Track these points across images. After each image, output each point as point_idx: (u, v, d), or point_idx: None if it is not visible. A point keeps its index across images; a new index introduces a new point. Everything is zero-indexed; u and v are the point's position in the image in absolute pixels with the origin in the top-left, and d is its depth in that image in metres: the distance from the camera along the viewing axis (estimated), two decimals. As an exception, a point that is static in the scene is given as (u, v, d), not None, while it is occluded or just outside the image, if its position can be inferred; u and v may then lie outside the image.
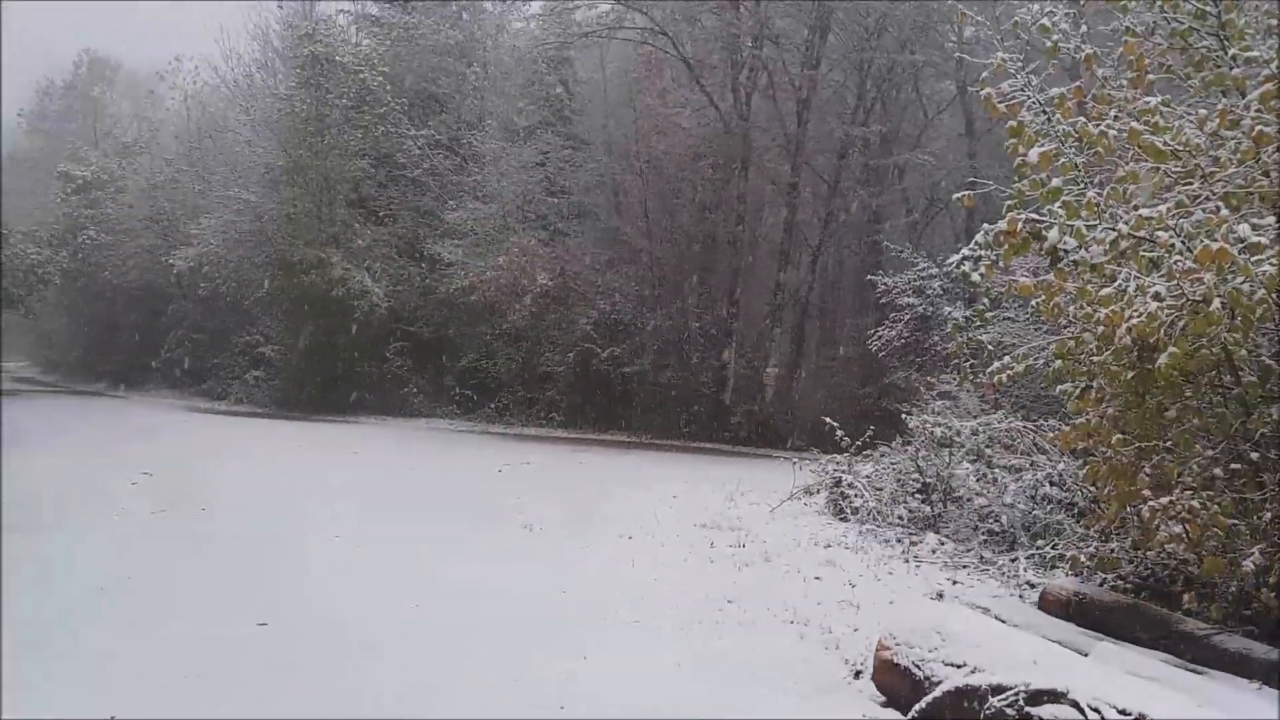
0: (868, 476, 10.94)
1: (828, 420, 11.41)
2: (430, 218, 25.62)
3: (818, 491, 11.59)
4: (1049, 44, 6.38)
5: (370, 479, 13.43)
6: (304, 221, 25.35)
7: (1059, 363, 6.59)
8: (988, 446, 10.23)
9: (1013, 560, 8.41)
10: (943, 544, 9.13)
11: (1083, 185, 5.78)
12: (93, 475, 12.35)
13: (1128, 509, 6.23)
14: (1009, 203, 5.91)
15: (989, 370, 7.00)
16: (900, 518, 10.02)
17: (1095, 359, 6.11)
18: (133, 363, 34.29)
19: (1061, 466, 9.23)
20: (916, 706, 4.53)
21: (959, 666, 4.57)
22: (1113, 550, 6.78)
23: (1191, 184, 5.53)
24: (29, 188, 39.32)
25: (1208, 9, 6.08)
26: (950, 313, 13.88)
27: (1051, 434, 9.12)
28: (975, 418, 10.78)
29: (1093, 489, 7.22)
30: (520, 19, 28.46)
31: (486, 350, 25.20)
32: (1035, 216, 5.68)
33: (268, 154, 26.33)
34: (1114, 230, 5.35)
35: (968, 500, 9.74)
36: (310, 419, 23.47)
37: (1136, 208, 5.47)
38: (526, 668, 5.39)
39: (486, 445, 18.90)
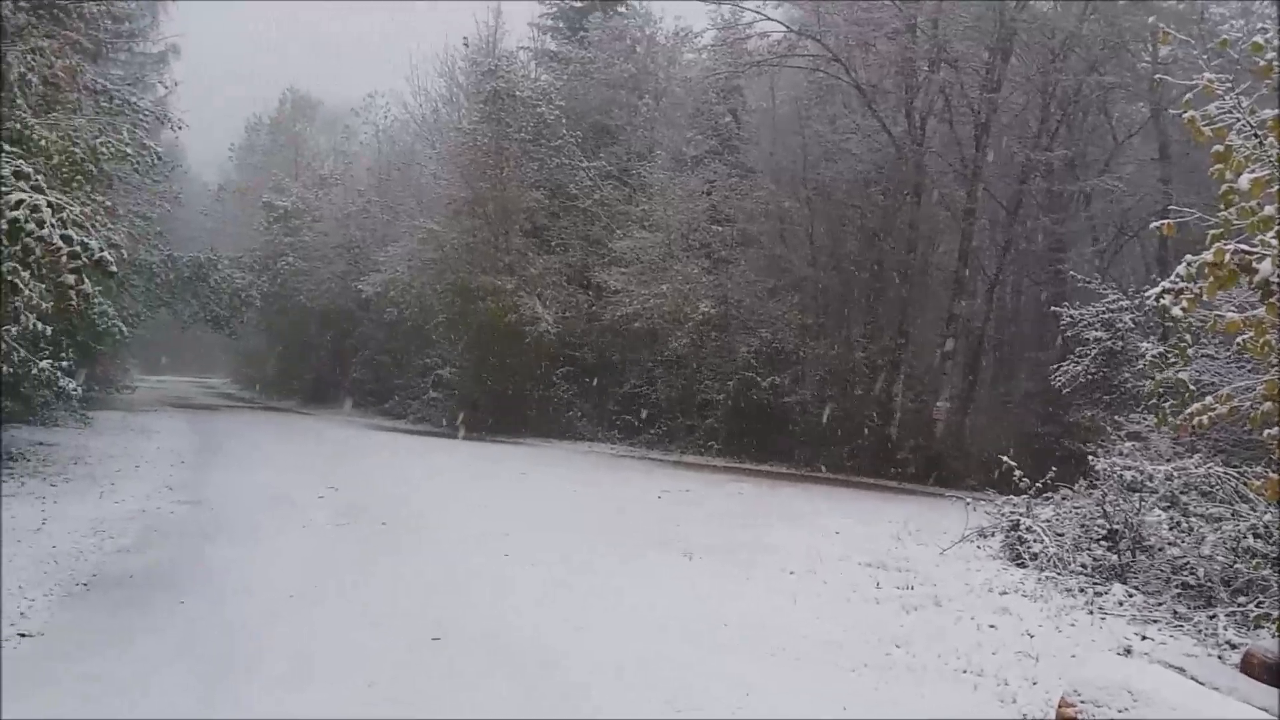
0: (1048, 520, 10.36)
1: (1004, 459, 10.88)
2: (598, 246, 26.24)
3: (992, 534, 11.05)
4: (1260, 63, 5.93)
5: (536, 499, 13.79)
6: (482, 250, 26.48)
7: (1268, 405, 6.06)
8: (1183, 493, 9.50)
9: (1210, 617, 7.75)
10: (1131, 596, 8.51)
11: (1300, 215, 5.32)
12: (285, 488, 13.22)
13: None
14: (1213, 232, 5.51)
15: (1188, 411, 6.52)
16: (1083, 566, 9.43)
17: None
18: (322, 381, 36.69)
19: (1268, 517, 8.46)
20: (1104, 772, 4.22)
21: (1153, 732, 4.23)
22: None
23: None
24: (237, 217, 42.90)
25: None
26: (1144, 348, 12.99)
27: (1257, 481, 8.36)
28: (1169, 461, 10.03)
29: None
30: (692, 50, 28.88)
31: (648, 376, 25.52)
32: (1245, 247, 5.27)
33: (451, 186, 27.68)
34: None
35: (1159, 550, 9.06)
36: (482, 439, 24.36)
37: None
38: (688, 700, 5.38)
39: (646, 471, 19.07)
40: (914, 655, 6.52)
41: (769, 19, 22.92)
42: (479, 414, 26.71)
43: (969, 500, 11.49)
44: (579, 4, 31.23)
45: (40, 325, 10.37)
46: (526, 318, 25.20)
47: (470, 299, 25.96)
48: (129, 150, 13.49)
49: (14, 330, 10.48)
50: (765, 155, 24.90)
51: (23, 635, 6.05)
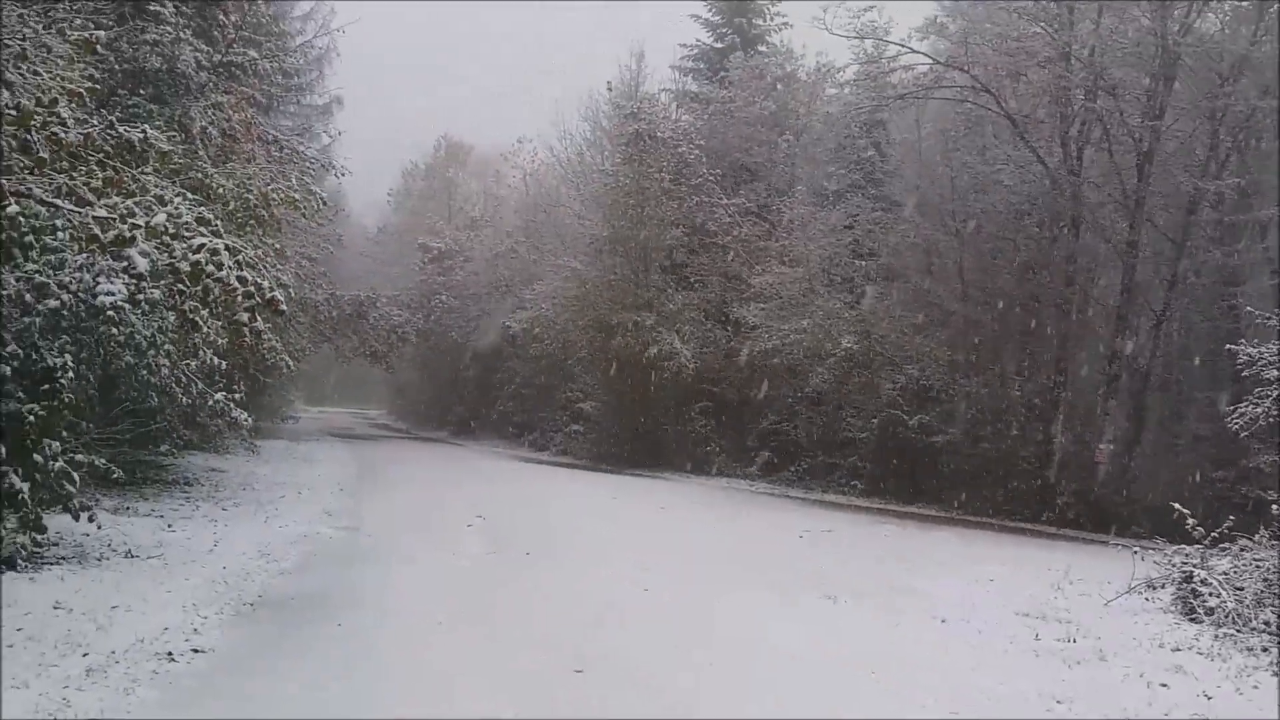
0: (1225, 573, 9.59)
1: (1175, 506, 10.16)
2: (737, 282, 26.24)
3: (1162, 586, 10.30)
4: None
5: (675, 534, 13.78)
6: (622, 287, 26.93)
7: None
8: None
9: None
10: (1325, 660, 7.76)
11: None
12: (436, 516, 13.70)
13: None
14: None
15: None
16: (1267, 623, 8.67)
17: None
18: (471, 414, 38.02)
19: None
20: None
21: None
22: None
23: None
24: (395, 258, 45.13)
25: None
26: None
27: None
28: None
29: None
30: (834, 85, 28.69)
31: (788, 413, 25.21)
32: None
33: (593, 225, 28.32)
34: None
35: (1359, 611, 8.25)
36: (621, 472, 24.58)
37: None
38: (834, 746, 5.22)
39: (786, 509, 18.77)
40: (1077, 713, 6.13)
41: (914, 51, 22.51)
42: (618, 448, 27.00)
43: (1136, 549, 10.76)
44: (719, 45, 31.55)
45: (216, 360, 11.16)
46: (665, 353, 25.38)
47: (610, 335, 26.39)
48: (297, 196, 14.40)
49: (193, 364, 11.32)
50: (910, 188, 24.38)
51: (196, 651, 6.44)
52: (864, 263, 24.13)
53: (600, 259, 27.79)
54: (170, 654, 6.26)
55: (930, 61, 22.35)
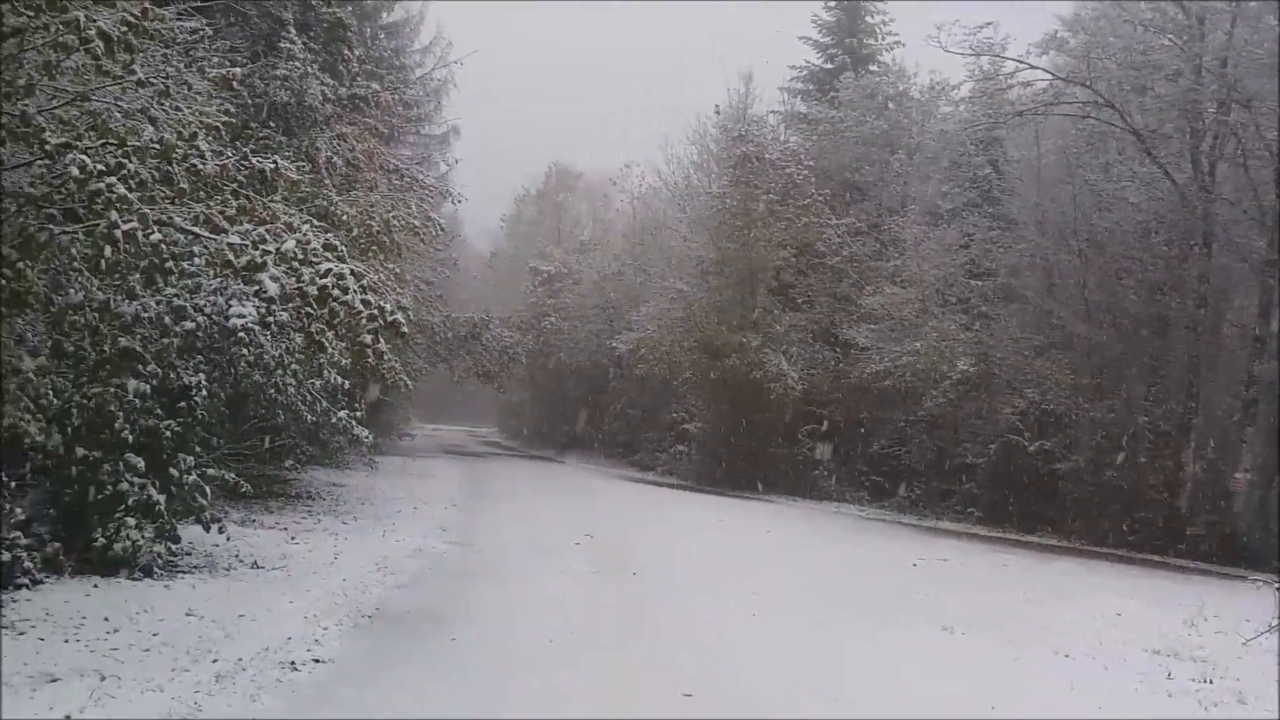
0: (1382, 615, 8.88)
1: (1323, 541, 9.48)
2: (846, 303, 25.86)
3: (1308, 626, 9.61)
4: None
5: (782, 558, 13.59)
6: (728, 309, 26.88)
7: None
8: None
9: None
10: None
11: None
12: (544, 533, 13.88)
13: None
14: None
15: None
16: None
17: None
18: (578, 432, 38.54)
19: None
20: None
21: None
22: None
23: None
24: (506, 281, 46.23)
25: None
26: None
27: None
28: None
29: None
30: (948, 103, 28.08)
31: (899, 437, 24.63)
32: None
33: (699, 247, 28.39)
34: None
35: None
36: (726, 494, 24.43)
37: None
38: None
39: (898, 536, 18.31)
40: (1216, 761, 5.77)
41: (1033, 67, 21.84)
42: (723, 469, 26.88)
43: (1277, 585, 10.08)
44: (829, 66, 31.35)
45: (339, 379, 11.61)
46: (771, 374, 25.17)
47: (716, 356, 26.33)
48: (417, 223, 14.92)
49: (317, 383, 11.81)
50: (1030, 206, 23.60)
51: (317, 661, 6.67)
52: (980, 283, 23.45)
53: (706, 280, 27.81)
54: (293, 663, 6.51)
55: (1050, 77, 21.66)
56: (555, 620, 8.28)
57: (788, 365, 25.31)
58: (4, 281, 6.68)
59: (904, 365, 22.52)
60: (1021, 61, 21.87)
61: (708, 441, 28.60)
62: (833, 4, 31.71)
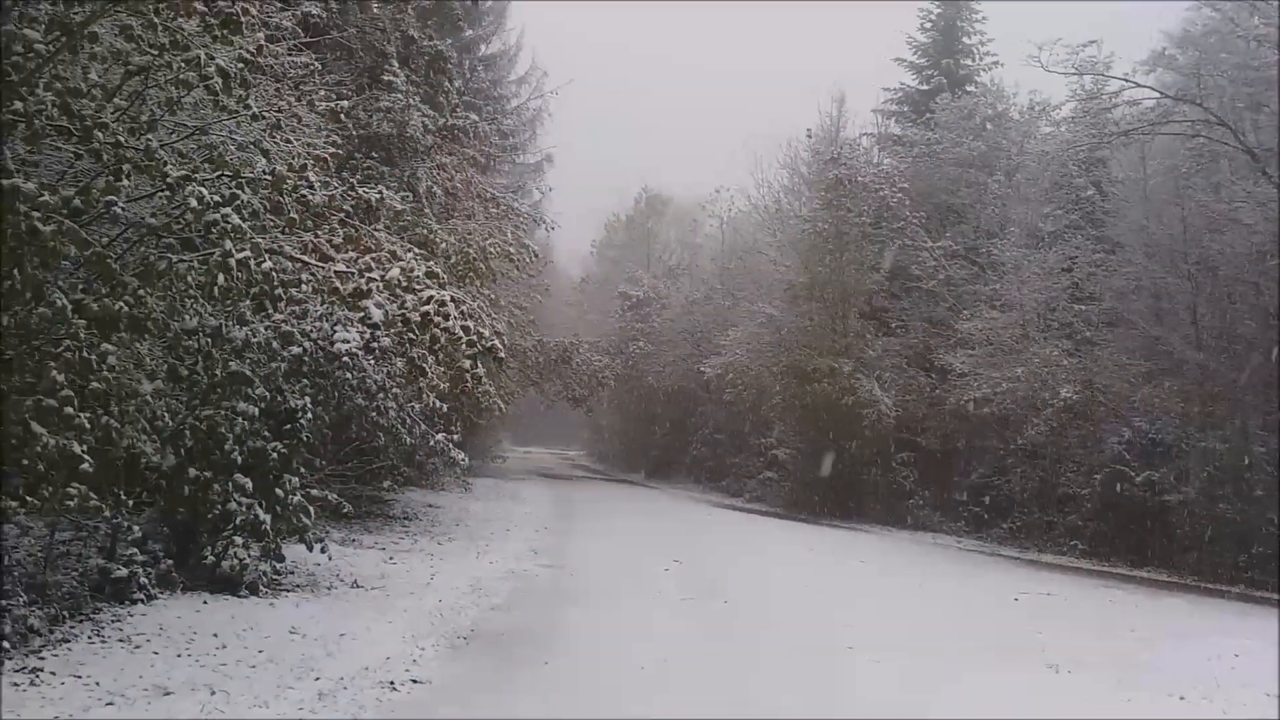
0: None
1: None
2: (942, 328, 25.27)
3: None
4: None
5: (877, 588, 13.28)
6: (819, 333, 26.56)
7: None
8: None
9: None
10: None
11: None
12: (634, 557, 13.86)
13: None
14: None
15: None
16: None
17: None
18: (665, 457, 38.49)
19: None
20: None
21: None
22: None
23: None
24: (596, 305, 46.64)
25: None
26: None
27: None
28: None
29: None
30: (1049, 123, 27.34)
31: (999, 466, 23.86)
32: None
33: (790, 271, 28.18)
34: None
35: None
36: (817, 522, 24.04)
37: None
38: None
39: (997, 568, 17.71)
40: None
41: (1138, 85, 21.10)
42: (814, 496, 26.48)
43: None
44: (924, 87, 30.91)
45: (438, 403, 11.85)
46: (864, 400, 24.73)
47: (806, 381, 26.00)
48: (512, 250, 15.21)
49: (416, 407, 12.08)
50: (1136, 228, 22.75)
51: (415, 681, 6.78)
52: (1084, 307, 22.66)
53: (797, 304, 27.54)
54: (392, 683, 6.62)
55: (1158, 95, 20.93)
56: (646, 647, 8.23)
57: (881, 391, 24.84)
58: (126, 308, 7.00)
59: (1003, 392, 21.87)
60: (1127, 80, 21.19)
61: (797, 468, 28.22)
62: (928, 26, 31.33)
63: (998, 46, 30.66)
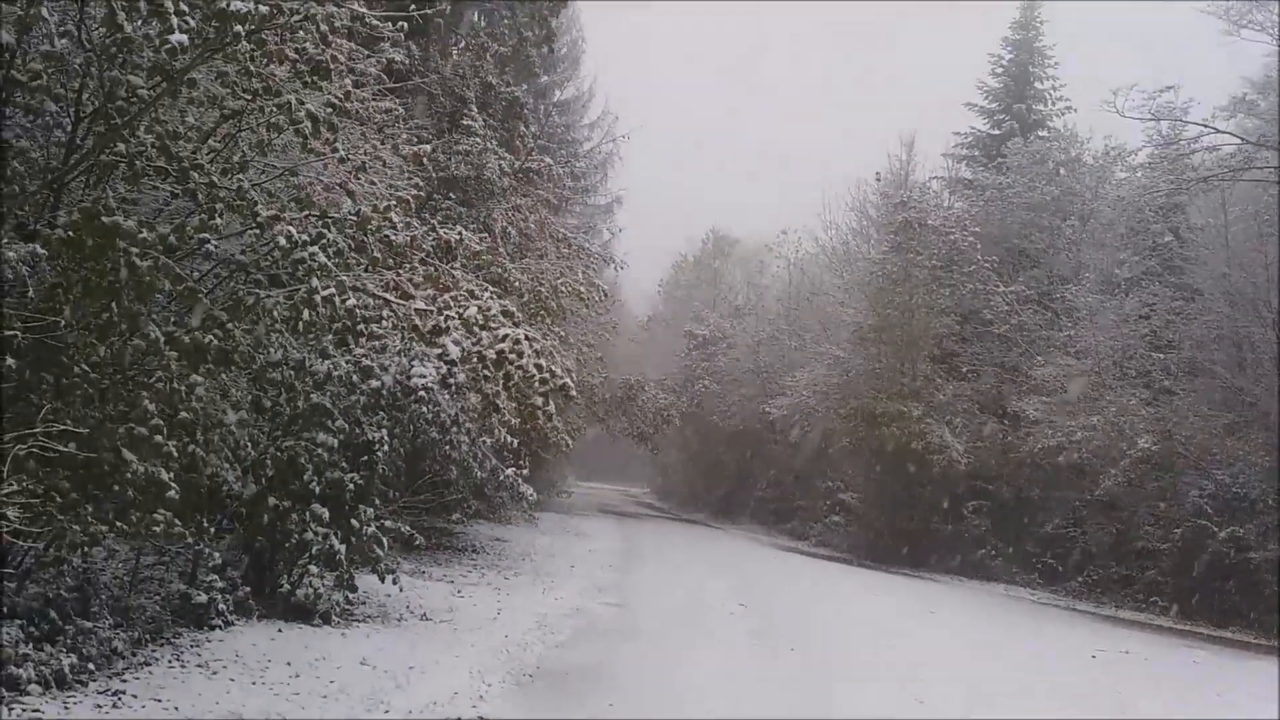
0: None
1: None
2: (1014, 374, 24.81)
3: None
4: None
5: (948, 640, 12.97)
6: (887, 376, 26.27)
7: None
8: None
9: None
10: None
11: None
12: (699, 599, 13.77)
13: None
14: None
15: None
16: None
17: None
18: (729, 497, 38.26)
19: None
20: None
21: None
22: None
23: None
24: (661, 344, 46.78)
25: None
26: None
27: None
28: None
29: None
30: (1125, 169, 26.88)
31: (1074, 517, 23.19)
32: None
33: (857, 314, 27.98)
34: None
35: None
36: (885, 569, 23.59)
37: None
38: None
39: (1073, 624, 17.16)
40: None
41: (1218, 131, 20.70)
42: (881, 542, 26.03)
43: None
44: (995, 131, 30.69)
45: (509, 438, 12.01)
46: (934, 446, 24.32)
47: (874, 425, 25.67)
48: (582, 289, 15.42)
49: (488, 441, 12.26)
50: (1217, 275, 22.14)
51: (482, 718, 6.82)
52: (1163, 355, 22.06)
53: (864, 347, 27.30)
54: (459, 719, 6.67)
55: (1238, 141, 20.47)
56: (713, 691, 8.17)
57: (951, 436, 24.41)
58: (215, 340, 7.27)
59: (1079, 441, 21.33)
60: (1206, 125, 20.79)
61: (865, 513, 27.80)
62: (1000, 71, 31.19)
63: (1070, 91, 30.45)
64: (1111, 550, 22.01)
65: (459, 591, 11.76)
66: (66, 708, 5.77)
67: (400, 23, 9.09)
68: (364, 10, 8.44)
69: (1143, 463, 20.71)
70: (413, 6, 8.97)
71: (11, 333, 6.04)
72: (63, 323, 6.61)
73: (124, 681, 6.43)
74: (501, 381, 7.99)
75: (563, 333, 16.17)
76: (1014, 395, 24.19)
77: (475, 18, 19.62)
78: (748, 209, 62.45)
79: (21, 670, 5.81)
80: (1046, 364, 23.31)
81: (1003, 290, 26.00)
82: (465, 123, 15.03)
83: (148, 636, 7.38)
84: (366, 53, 10.93)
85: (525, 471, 12.47)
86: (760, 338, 36.16)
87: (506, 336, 7.81)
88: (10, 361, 5.83)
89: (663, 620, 11.66)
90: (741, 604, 13.37)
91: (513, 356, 7.66)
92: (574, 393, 8.33)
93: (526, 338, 8.13)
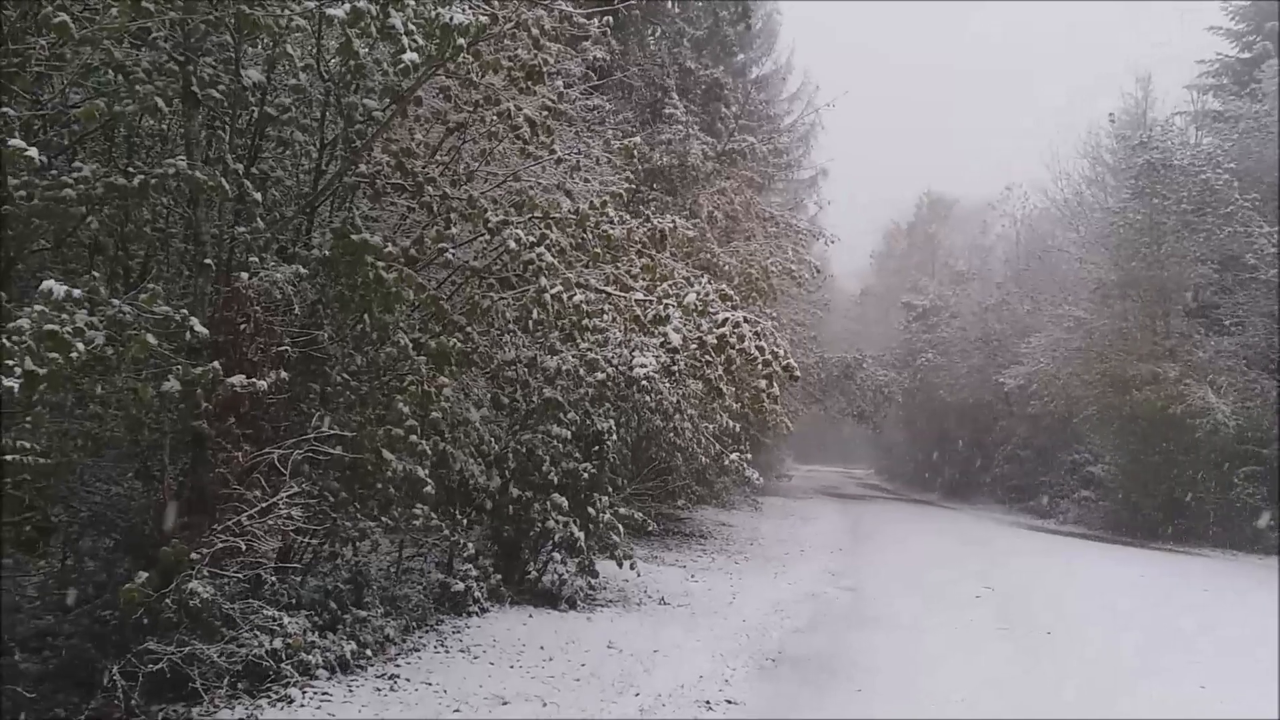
0: None
1: None
2: (1288, 323, 22.15)
3: None
4: None
5: (1230, 625, 11.73)
6: (1136, 335, 24.20)
7: None
8: None
9: None
10: None
11: None
12: (938, 582, 13.20)
13: None
14: None
15: None
16: None
17: None
18: (962, 476, 36.48)
19: None
20: None
21: None
22: None
23: None
24: (877, 318, 45.42)
25: None
26: None
27: None
28: None
29: None
30: None
31: (1373, 481, 20.46)
32: None
33: (1097, 269, 25.93)
34: None
35: None
36: (1145, 545, 21.76)
37: None
38: None
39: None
40: None
41: None
42: (1139, 517, 24.03)
43: None
44: (1246, 55, 27.48)
45: (730, 422, 11.99)
46: (1195, 409, 22.10)
47: (1124, 389, 23.69)
48: (793, 267, 15.15)
49: (711, 427, 12.29)
50: None
51: (729, 702, 6.83)
52: None
53: (1108, 305, 25.23)
54: (708, 702, 6.72)
55: None
56: (962, 680, 7.73)
57: (1215, 397, 22.13)
58: (457, 344, 7.68)
59: (1374, 395, 18.78)
60: None
61: (1118, 486, 25.75)
62: (1250, -15, 27.92)
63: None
64: None
65: (693, 576, 11.89)
66: (351, 690, 6.28)
67: (605, 18, 9.24)
68: (571, 9, 8.61)
69: None
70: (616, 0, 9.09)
71: (284, 348, 6.62)
72: (324, 336, 7.20)
73: (398, 667, 6.93)
74: (724, 366, 7.94)
75: (775, 313, 15.95)
76: (1289, 348, 21.61)
77: (670, 4, 19.68)
78: (963, 170, 59.44)
79: (310, 656, 6.36)
80: (1328, 310, 20.64)
81: (1267, 230, 23.25)
82: (667, 111, 15.13)
83: (414, 623, 7.92)
84: (572, 52, 11.19)
85: (748, 456, 12.38)
86: (987, 304, 34.29)
87: (726, 320, 7.75)
88: (284, 374, 6.39)
89: (903, 605, 11.25)
90: (987, 587, 12.69)
91: (734, 340, 7.60)
92: (797, 374, 8.14)
93: (746, 320, 8.05)
